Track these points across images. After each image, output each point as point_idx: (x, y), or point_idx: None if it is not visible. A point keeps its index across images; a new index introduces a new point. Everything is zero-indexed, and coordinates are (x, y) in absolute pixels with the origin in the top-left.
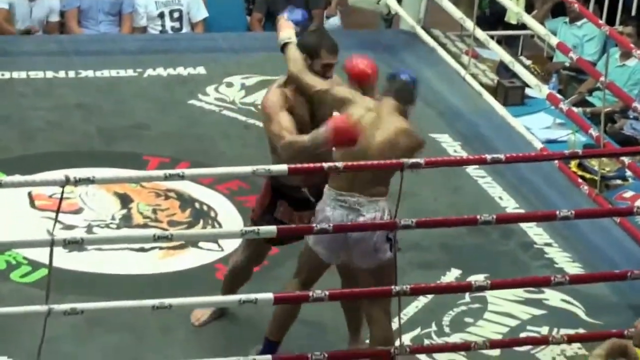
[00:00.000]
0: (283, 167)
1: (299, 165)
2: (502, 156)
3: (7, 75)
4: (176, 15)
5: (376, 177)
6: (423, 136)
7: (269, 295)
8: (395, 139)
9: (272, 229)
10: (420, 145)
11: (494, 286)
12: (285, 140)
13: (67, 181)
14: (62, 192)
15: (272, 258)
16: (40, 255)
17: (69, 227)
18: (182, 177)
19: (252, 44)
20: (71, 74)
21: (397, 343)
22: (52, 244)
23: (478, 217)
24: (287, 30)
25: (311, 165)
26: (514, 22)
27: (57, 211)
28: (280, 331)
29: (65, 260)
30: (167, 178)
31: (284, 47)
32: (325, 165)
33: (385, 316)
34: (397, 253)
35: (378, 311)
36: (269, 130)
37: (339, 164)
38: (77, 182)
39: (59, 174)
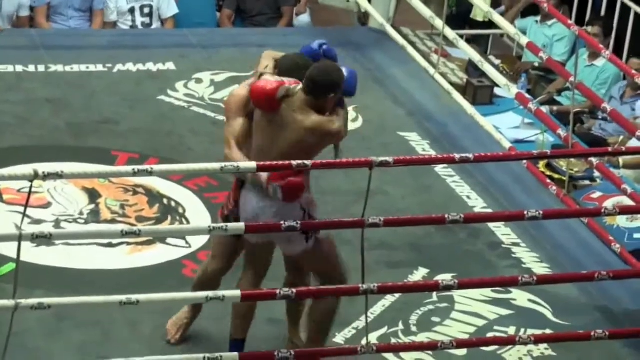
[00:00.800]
0: (252, 165)
1: (267, 163)
2: (470, 155)
3: None
4: (146, 10)
5: (284, 154)
6: (345, 128)
7: (237, 293)
8: (301, 139)
9: (240, 225)
10: (332, 135)
11: (462, 286)
12: (225, 153)
13: (35, 175)
14: (31, 187)
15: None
16: (7, 249)
17: (37, 222)
18: (150, 173)
19: (222, 40)
20: (41, 68)
21: (363, 342)
22: (20, 238)
23: (446, 216)
24: (265, 59)
25: (279, 162)
26: (480, 19)
27: (26, 206)
28: (243, 328)
29: (33, 254)
30: (135, 174)
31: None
32: (294, 163)
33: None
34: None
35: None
36: (224, 129)
37: (308, 162)
38: (46, 176)
39: (27, 168)
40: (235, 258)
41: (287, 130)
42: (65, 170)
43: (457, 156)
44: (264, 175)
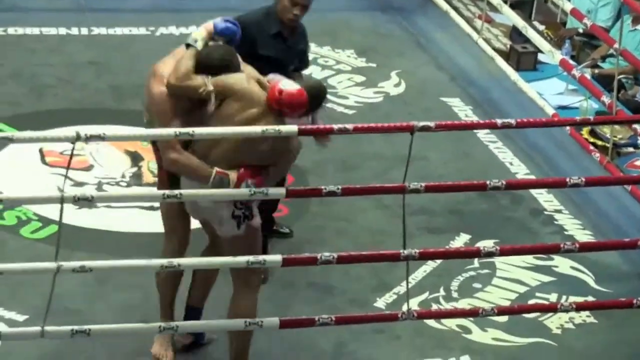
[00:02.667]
0: (293, 128)
1: (308, 127)
2: (512, 121)
3: (19, 31)
4: None
5: (227, 159)
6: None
7: (278, 257)
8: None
9: (281, 190)
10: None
11: (503, 252)
12: (173, 157)
13: (77, 138)
14: (73, 149)
15: (280, 219)
16: (50, 211)
17: (80, 184)
18: (191, 136)
19: (262, 2)
20: (83, 31)
21: (404, 307)
22: (62, 200)
23: (487, 182)
24: (201, 30)
25: (320, 126)
26: None
27: (68, 168)
28: (203, 298)
29: (75, 217)
30: (177, 136)
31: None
32: (335, 126)
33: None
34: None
35: (248, 283)
36: None
37: (349, 127)
38: (88, 138)
39: (69, 131)
40: (189, 229)
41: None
42: (107, 132)
43: (499, 121)
44: (232, 176)
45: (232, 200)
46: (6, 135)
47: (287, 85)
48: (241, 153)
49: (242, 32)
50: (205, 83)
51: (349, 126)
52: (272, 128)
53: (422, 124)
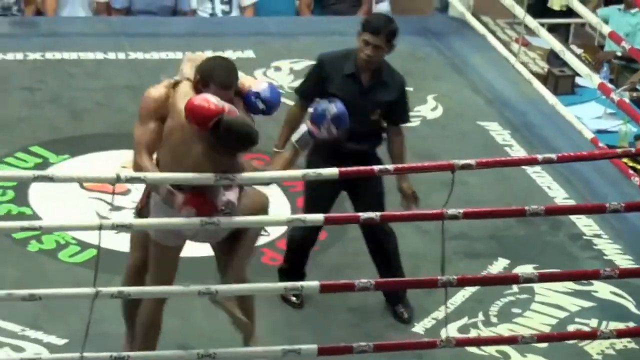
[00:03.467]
0: (334, 171)
1: (349, 169)
2: (554, 156)
3: (57, 55)
4: None
5: None
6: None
7: (315, 284)
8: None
9: (319, 216)
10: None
11: (542, 278)
12: (134, 159)
13: (117, 179)
14: (114, 191)
15: (318, 243)
16: (88, 235)
17: (118, 209)
18: (232, 180)
19: (301, 28)
20: (121, 55)
21: (442, 333)
22: (100, 227)
23: (526, 208)
24: (186, 64)
25: (360, 168)
26: (557, 8)
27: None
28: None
29: (113, 241)
30: (218, 180)
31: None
32: (376, 168)
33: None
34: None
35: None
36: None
37: (390, 167)
38: (128, 180)
39: (110, 172)
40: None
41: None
42: (148, 175)
43: (539, 157)
44: (179, 199)
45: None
46: (46, 175)
47: (201, 97)
48: (208, 162)
49: (317, 69)
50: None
51: (390, 167)
52: (312, 171)
53: (462, 162)
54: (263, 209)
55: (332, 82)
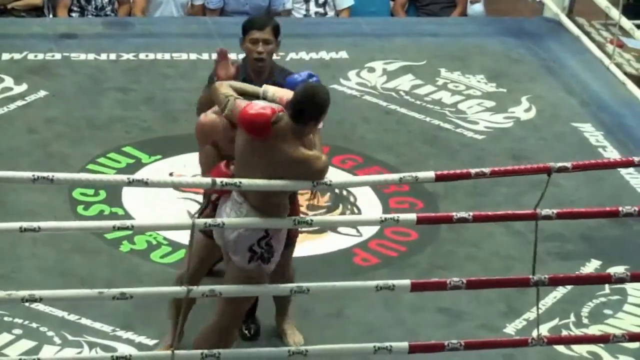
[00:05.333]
0: (430, 174)
1: (445, 172)
2: None
3: (151, 56)
4: (321, 0)
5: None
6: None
7: (407, 282)
8: (282, 170)
9: (412, 216)
10: (313, 173)
11: (634, 278)
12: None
13: (213, 184)
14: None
15: (410, 244)
16: (180, 236)
17: None
18: (329, 186)
19: (395, 29)
20: (214, 56)
21: (534, 333)
22: (193, 227)
23: (620, 209)
24: (224, 88)
25: (457, 172)
26: None
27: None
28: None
29: None
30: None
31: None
32: (472, 171)
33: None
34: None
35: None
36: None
37: (486, 170)
38: (224, 186)
39: (206, 179)
40: (210, 262)
41: (269, 160)
42: (244, 181)
43: (636, 159)
44: None
45: (260, 234)
46: (141, 179)
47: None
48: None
49: None
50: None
51: (486, 170)
52: (409, 175)
53: (558, 165)
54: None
55: None
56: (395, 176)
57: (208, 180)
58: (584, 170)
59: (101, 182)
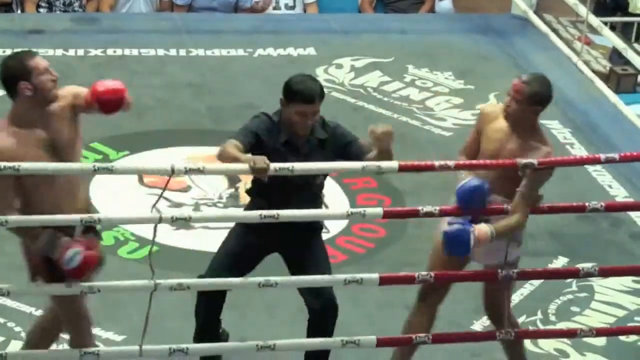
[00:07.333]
0: (394, 164)
1: (409, 163)
2: (616, 156)
3: (119, 52)
4: None
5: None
6: None
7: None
8: None
9: (378, 210)
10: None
11: (602, 273)
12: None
13: (172, 172)
14: (168, 181)
15: (377, 240)
16: (147, 232)
17: (177, 205)
18: (291, 172)
19: (363, 25)
20: (182, 52)
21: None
22: (159, 220)
23: (587, 204)
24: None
25: (421, 163)
26: None
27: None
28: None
29: (172, 237)
30: (277, 171)
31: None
32: (436, 163)
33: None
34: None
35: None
36: None
37: (450, 163)
38: (186, 172)
39: (165, 164)
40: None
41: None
42: (206, 166)
43: (602, 156)
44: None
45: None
46: (106, 166)
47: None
48: None
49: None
50: None
51: (450, 163)
52: (372, 164)
53: (524, 161)
54: None
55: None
56: (358, 164)
57: (166, 166)
58: (550, 166)
59: (66, 171)
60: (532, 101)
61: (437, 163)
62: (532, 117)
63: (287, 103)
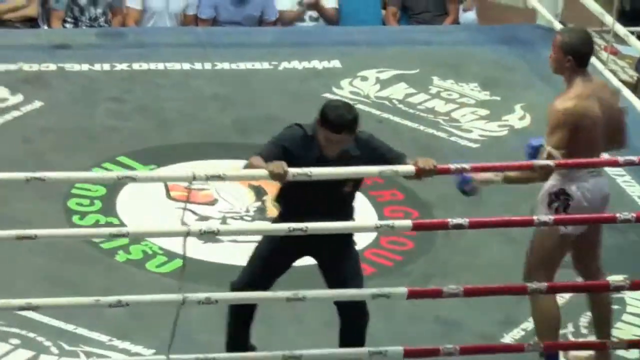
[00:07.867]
0: (410, 168)
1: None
2: (635, 159)
3: (144, 66)
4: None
5: None
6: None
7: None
8: None
9: (407, 223)
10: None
11: (634, 286)
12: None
13: (193, 178)
14: (189, 186)
15: (405, 253)
16: (175, 245)
17: (204, 218)
18: (309, 176)
19: (387, 37)
20: (207, 65)
21: (533, 340)
22: (187, 234)
23: (618, 215)
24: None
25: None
26: None
27: (186, 201)
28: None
29: (200, 251)
30: (295, 176)
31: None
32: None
33: None
34: None
35: None
36: None
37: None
38: (208, 178)
39: (186, 170)
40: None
41: None
42: (227, 172)
43: (620, 159)
44: None
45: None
46: (129, 175)
47: None
48: None
49: (282, 150)
50: None
51: (467, 165)
52: (389, 168)
53: (541, 163)
54: None
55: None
56: (375, 169)
57: (188, 172)
58: (567, 167)
59: (92, 180)
60: (562, 51)
61: (452, 166)
62: (566, 68)
63: (319, 125)
